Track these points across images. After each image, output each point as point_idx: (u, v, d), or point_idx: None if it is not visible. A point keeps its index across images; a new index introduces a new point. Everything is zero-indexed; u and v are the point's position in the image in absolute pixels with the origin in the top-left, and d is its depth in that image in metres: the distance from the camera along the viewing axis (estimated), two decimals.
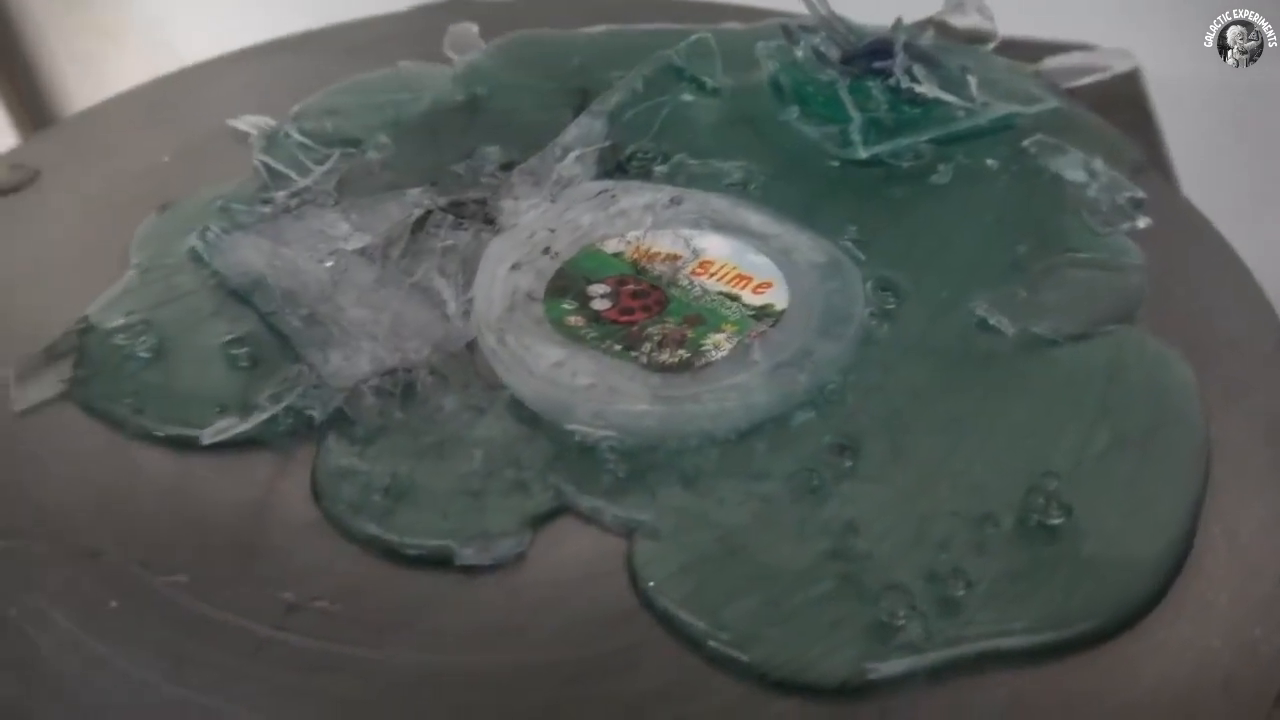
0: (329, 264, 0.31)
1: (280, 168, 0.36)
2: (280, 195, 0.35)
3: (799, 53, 0.36)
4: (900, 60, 0.35)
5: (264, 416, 0.26)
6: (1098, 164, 0.35)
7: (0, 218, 0.35)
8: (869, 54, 0.36)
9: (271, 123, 0.39)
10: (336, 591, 0.23)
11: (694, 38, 0.39)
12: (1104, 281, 0.30)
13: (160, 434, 0.27)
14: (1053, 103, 0.37)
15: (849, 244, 0.31)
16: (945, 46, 0.38)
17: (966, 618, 0.22)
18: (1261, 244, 0.32)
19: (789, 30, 0.36)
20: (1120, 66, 0.42)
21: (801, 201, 0.33)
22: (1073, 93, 0.40)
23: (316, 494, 0.25)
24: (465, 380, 0.28)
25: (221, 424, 0.26)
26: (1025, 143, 0.35)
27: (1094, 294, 0.30)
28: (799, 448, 0.25)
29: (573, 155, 0.34)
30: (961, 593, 0.22)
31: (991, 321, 0.28)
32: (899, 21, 0.38)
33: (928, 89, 0.35)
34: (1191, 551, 0.23)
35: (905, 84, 0.35)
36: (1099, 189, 0.34)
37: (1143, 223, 0.33)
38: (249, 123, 0.39)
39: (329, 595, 0.23)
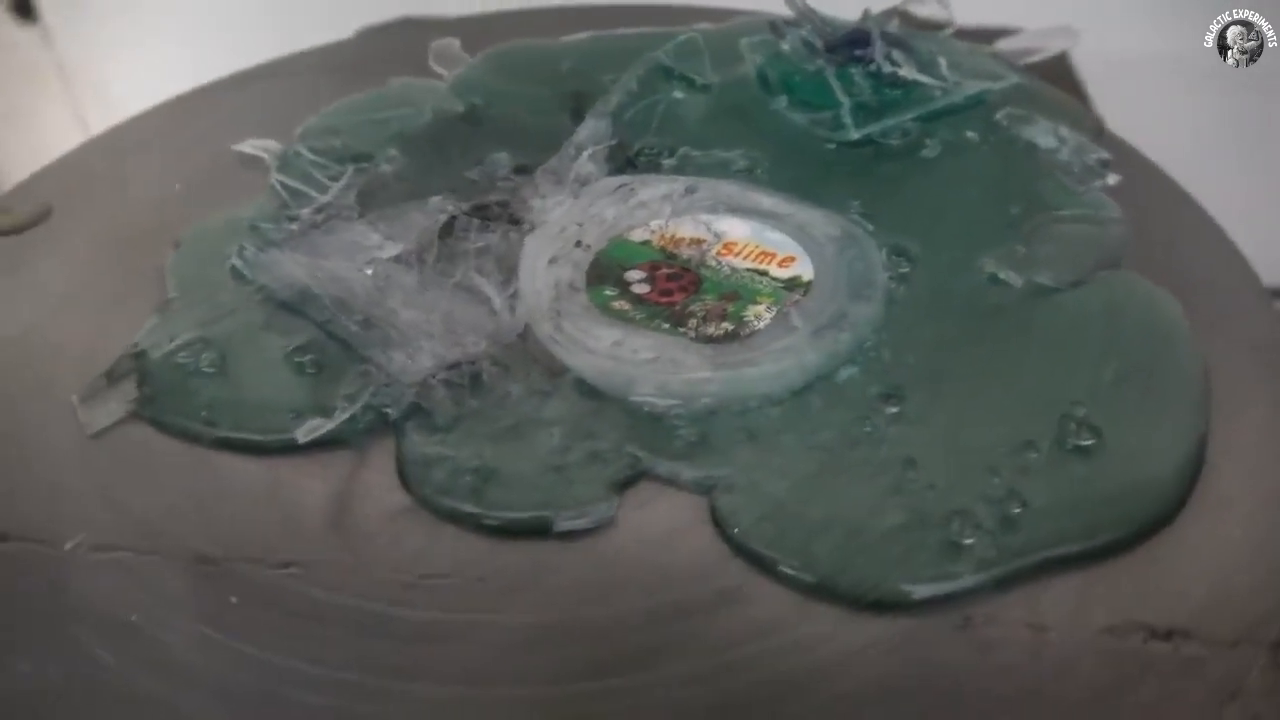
0: (369, 272, 0.33)
1: (298, 186, 0.37)
2: (305, 212, 0.36)
3: (785, 46, 0.39)
4: (879, 47, 0.38)
5: (347, 415, 0.27)
6: (1064, 130, 0.38)
7: (23, 253, 0.36)
8: (849, 43, 0.39)
9: (277, 145, 0.40)
10: (444, 568, 0.25)
11: (682, 38, 0.41)
12: (1090, 234, 0.33)
13: (239, 442, 0.28)
14: (1015, 78, 0.40)
15: (856, 217, 0.34)
16: (912, 33, 0.41)
17: (1026, 532, 0.24)
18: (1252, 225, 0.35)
19: (776, 26, 0.39)
20: (1064, 44, 0.46)
21: (804, 182, 0.36)
22: None
23: (405, 481, 0.27)
24: (525, 368, 0.29)
25: (312, 423, 0.27)
26: (998, 116, 0.38)
27: (1084, 245, 0.33)
28: (849, 400, 0.28)
29: (586, 154, 0.36)
30: (1018, 510, 0.25)
31: (1001, 276, 0.31)
32: (867, 12, 0.41)
33: (907, 71, 0.38)
34: (1205, 458, 0.26)
35: (887, 69, 0.38)
36: (1069, 152, 0.37)
37: (1112, 179, 0.36)
38: (256, 146, 0.40)
39: (438, 571, 0.25)
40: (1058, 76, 0.48)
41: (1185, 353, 0.29)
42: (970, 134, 0.38)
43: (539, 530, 0.25)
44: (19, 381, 0.30)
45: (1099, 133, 0.39)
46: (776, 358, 0.28)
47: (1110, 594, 0.24)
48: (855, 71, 0.38)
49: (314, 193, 0.37)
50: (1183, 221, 0.36)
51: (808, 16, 0.39)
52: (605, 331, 0.29)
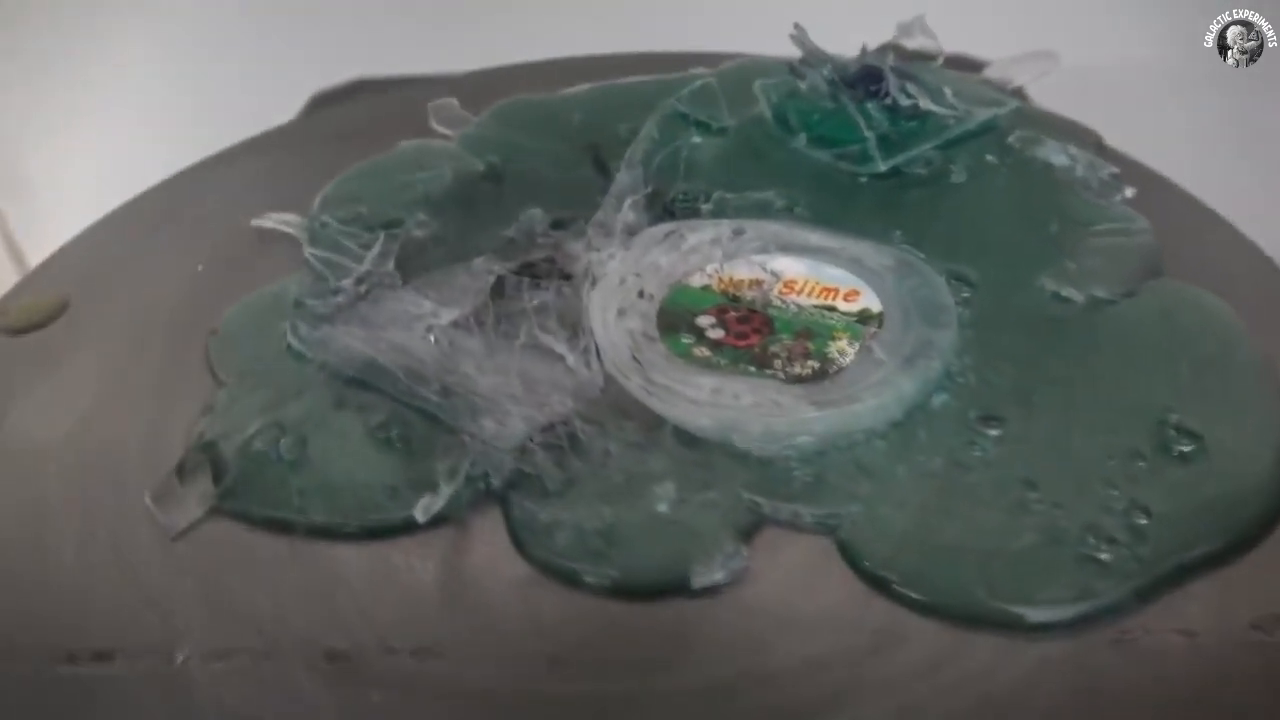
0: (433, 339, 0.32)
1: (332, 257, 0.36)
2: (346, 284, 0.35)
3: (803, 86, 0.40)
4: (893, 81, 0.39)
5: (455, 487, 0.26)
6: (1073, 148, 0.39)
7: (51, 348, 0.34)
8: (863, 79, 0.40)
9: (296, 218, 0.39)
10: (588, 635, 0.24)
11: (698, 84, 0.41)
12: (1127, 245, 0.35)
13: (336, 528, 0.27)
14: (1014, 103, 0.42)
15: (905, 246, 0.34)
16: (914, 65, 0.42)
17: (1155, 541, 0.25)
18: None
19: (795, 67, 0.40)
20: (1046, 69, 0.48)
21: (843, 217, 0.36)
22: None
23: (523, 549, 0.26)
24: (617, 423, 0.29)
25: (425, 501, 0.26)
26: (1010, 139, 0.40)
27: (1126, 257, 0.34)
28: (951, 426, 0.28)
29: (626, 205, 0.36)
30: (1144, 521, 0.25)
31: (1063, 293, 0.32)
32: (865, 48, 0.42)
33: (925, 103, 0.39)
34: None
35: (904, 101, 0.39)
36: (1084, 169, 0.38)
37: (1130, 192, 0.37)
38: (276, 220, 0.39)
39: (583, 640, 0.24)
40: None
41: (1247, 350, 0.30)
42: (990, 158, 0.39)
43: (674, 588, 0.25)
44: (84, 483, 0.29)
45: (1100, 148, 0.41)
46: (876, 391, 0.28)
47: (1246, 591, 0.24)
48: (872, 106, 0.39)
49: (350, 263, 0.36)
50: (1197, 226, 0.37)
51: (819, 56, 0.40)
52: (702, 380, 0.29)
